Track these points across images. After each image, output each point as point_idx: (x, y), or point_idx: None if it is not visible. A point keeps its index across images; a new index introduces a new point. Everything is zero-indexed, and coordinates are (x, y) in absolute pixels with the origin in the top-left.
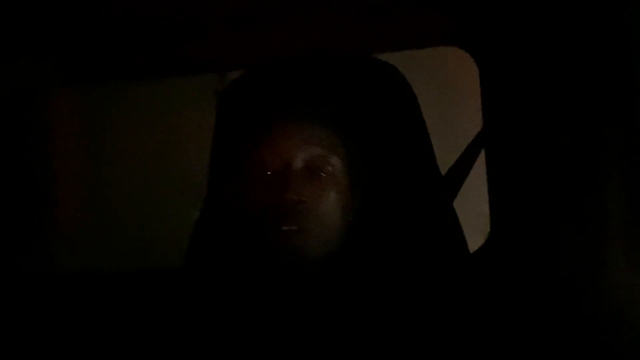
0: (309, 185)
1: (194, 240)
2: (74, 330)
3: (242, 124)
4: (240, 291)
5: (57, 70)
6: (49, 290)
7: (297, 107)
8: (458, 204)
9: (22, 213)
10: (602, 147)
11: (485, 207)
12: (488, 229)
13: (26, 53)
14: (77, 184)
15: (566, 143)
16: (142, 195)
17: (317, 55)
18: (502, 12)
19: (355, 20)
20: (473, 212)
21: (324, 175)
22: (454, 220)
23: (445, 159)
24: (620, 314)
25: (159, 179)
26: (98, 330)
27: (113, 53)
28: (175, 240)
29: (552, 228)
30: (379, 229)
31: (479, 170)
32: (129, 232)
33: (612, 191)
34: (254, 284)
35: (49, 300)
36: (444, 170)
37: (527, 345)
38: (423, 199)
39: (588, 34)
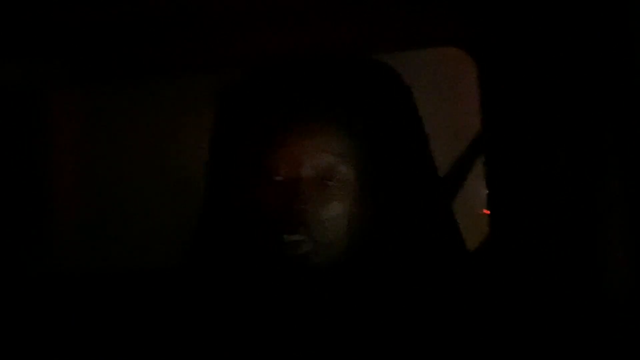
0: (317, 194)
1: (195, 241)
2: (73, 330)
3: (245, 126)
4: (242, 294)
5: (58, 71)
6: (48, 290)
7: (305, 111)
8: (457, 205)
9: (22, 213)
10: (602, 148)
11: (484, 207)
12: (487, 229)
13: (27, 53)
14: (77, 184)
15: (565, 143)
16: (142, 195)
17: (316, 55)
18: (502, 12)
19: (354, 21)
20: (472, 212)
21: (332, 184)
22: (451, 221)
23: (443, 159)
24: (620, 314)
25: (159, 178)
26: (96, 330)
27: (113, 53)
28: (176, 241)
29: (551, 228)
30: (381, 232)
31: (477, 170)
32: (128, 232)
33: (612, 192)
34: (257, 288)
35: (48, 300)
36: (442, 171)
37: (525, 344)
38: (421, 200)
39: (588, 34)
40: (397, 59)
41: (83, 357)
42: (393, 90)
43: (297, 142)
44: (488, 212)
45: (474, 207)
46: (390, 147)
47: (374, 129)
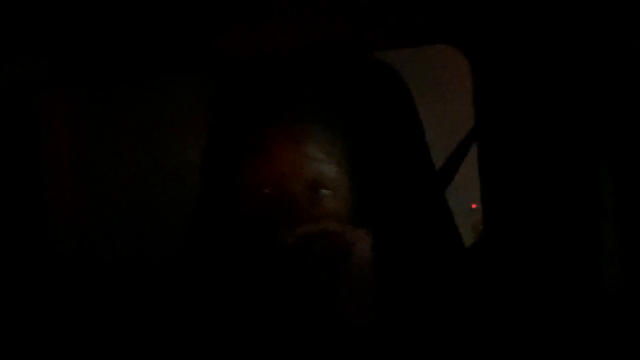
0: (310, 207)
1: (189, 243)
2: (71, 329)
3: (235, 130)
4: (237, 294)
5: (54, 71)
6: (47, 289)
7: (292, 114)
8: (450, 201)
9: (20, 213)
10: (596, 143)
11: (476, 202)
12: (481, 225)
13: (24, 53)
14: (74, 185)
15: (559, 138)
16: (139, 195)
17: (310, 54)
18: (495, 9)
19: (346, 19)
20: (465, 208)
21: (324, 192)
22: (448, 217)
23: (437, 156)
24: (615, 311)
25: (157, 179)
26: (95, 329)
27: (111, 53)
28: (172, 242)
29: (545, 224)
30: (377, 229)
31: (471, 166)
32: (127, 231)
33: (606, 187)
34: (252, 289)
35: (45, 299)
36: (436, 166)
37: (521, 341)
38: (418, 196)
39: (582, 31)
40: (390, 57)
41: (82, 356)
42: (388, 88)
43: (287, 151)
44: (475, 206)
45: (466, 202)
46: (386, 145)
47: (369, 128)
